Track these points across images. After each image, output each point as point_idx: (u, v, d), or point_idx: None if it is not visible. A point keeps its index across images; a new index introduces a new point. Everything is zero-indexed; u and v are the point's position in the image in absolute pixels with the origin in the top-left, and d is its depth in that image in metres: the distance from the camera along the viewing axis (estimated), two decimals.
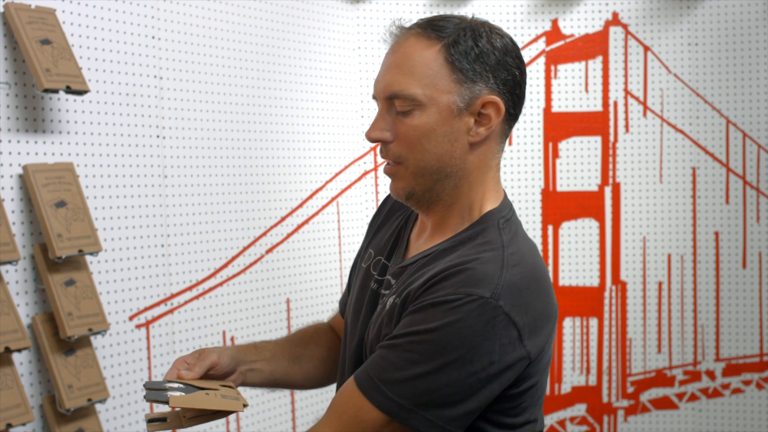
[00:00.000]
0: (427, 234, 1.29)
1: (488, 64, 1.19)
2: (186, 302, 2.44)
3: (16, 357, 1.93)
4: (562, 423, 3.16)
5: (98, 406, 2.12)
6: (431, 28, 1.20)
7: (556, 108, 3.12)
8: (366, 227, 1.50)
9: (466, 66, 1.18)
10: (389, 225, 1.41)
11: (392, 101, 1.20)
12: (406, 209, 1.40)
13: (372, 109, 2.99)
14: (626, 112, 3.12)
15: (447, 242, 1.23)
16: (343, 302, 1.51)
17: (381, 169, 3.03)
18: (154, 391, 1.21)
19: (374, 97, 1.26)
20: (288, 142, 2.77)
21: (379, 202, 1.52)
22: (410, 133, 1.19)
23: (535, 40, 3.09)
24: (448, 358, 1.08)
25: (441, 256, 1.20)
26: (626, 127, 3.12)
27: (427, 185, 1.22)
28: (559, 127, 3.12)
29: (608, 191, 3.13)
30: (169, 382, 1.25)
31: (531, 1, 3.09)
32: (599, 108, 3.12)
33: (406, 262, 1.26)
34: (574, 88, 3.11)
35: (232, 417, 2.58)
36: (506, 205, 1.27)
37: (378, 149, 1.26)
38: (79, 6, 2.13)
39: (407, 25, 1.25)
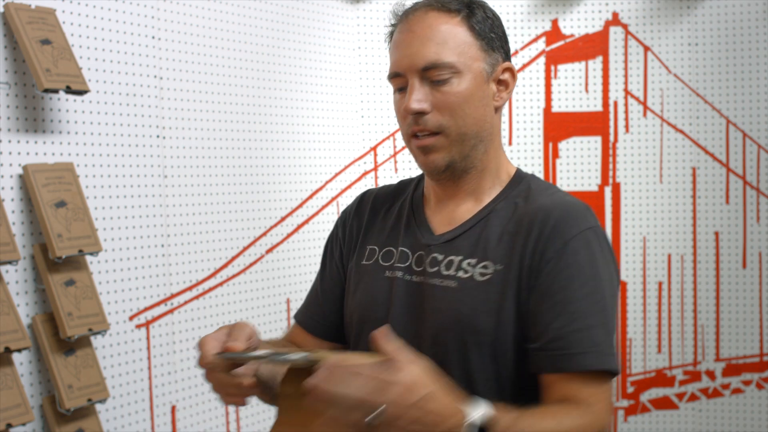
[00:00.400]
0: (453, 205, 1.30)
1: (498, 34, 1.28)
2: (186, 302, 2.44)
3: (16, 357, 1.93)
4: None
5: (98, 406, 2.12)
6: (442, 3, 1.26)
7: (556, 108, 3.12)
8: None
9: (488, 35, 1.26)
10: (381, 219, 1.40)
11: (426, 72, 1.23)
12: (389, 201, 1.40)
13: (373, 108, 2.99)
14: (626, 112, 3.12)
15: (498, 203, 1.28)
16: (308, 315, 1.45)
17: (381, 169, 3.04)
18: (275, 356, 1.06)
19: (396, 75, 1.26)
20: (288, 142, 2.78)
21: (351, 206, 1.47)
22: (451, 100, 1.23)
23: (535, 40, 3.09)
24: (607, 291, 1.18)
25: (500, 216, 1.25)
26: (626, 127, 3.12)
27: (465, 152, 1.26)
28: (559, 127, 3.12)
29: (608, 191, 3.13)
30: (244, 354, 1.11)
31: (531, 1, 3.09)
32: (599, 108, 3.12)
33: (454, 234, 1.27)
34: (574, 88, 3.12)
35: (231, 417, 2.58)
36: None
37: (410, 122, 1.25)
38: (79, 6, 2.13)
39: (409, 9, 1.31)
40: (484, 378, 1.20)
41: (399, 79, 1.26)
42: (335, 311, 1.41)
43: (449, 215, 1.30)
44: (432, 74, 1.22)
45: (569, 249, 1.18)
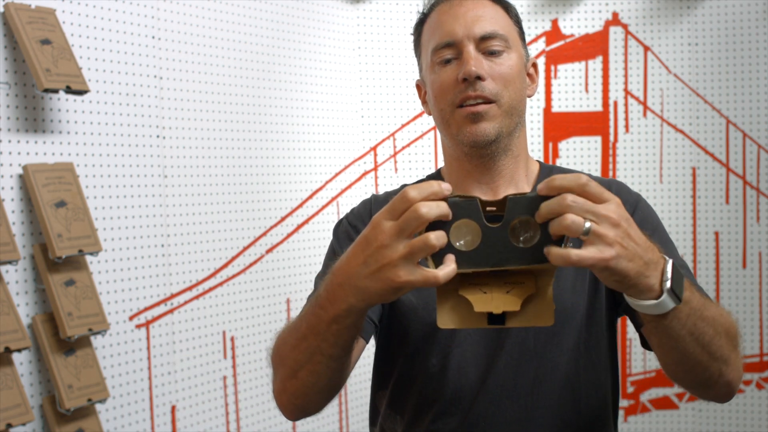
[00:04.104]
0: (491, 195, 1.29)
1: (523, 31, 1.33)
2: (186, 302, 2.44)
3: (16, 357, 1.93)
4: None
5: (98, 406, 2.12)
6: None
7: (556, 108, 3.12)
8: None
9: (520, 26, 1.32)
10: None
11: (482, 42, 1.25)
12: None
13: (373, 108, 2.99)
14: (626, 112, 3.12)
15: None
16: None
17: (381, 169, 3.04)
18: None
19: (447, 45, 1.26)
20: (288, 142, 2.78)
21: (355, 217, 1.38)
22: (506, 71, 1.25)
23: (535, 40, 3.09)
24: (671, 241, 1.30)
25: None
26: (626, 127, 3.12)
27: (510, 127, 1.27)
28: (559, 127, 3.12)
29: None
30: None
31: (531, 1, 3.09)
32: (599, 108, 3.12)
33: None
34: (574, 88, 3.12)
35: (232, 417, 2.58)
36: None
37: (461, 90, 1.24)
38: (79, 6, 2.13)
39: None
40: (575, 355, 1.23)
41: (449, 49, 1.26)
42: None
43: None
44: (488, 44, 1.25)
45: (639, 210, 1.28)
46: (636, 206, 1.29)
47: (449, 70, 1.26)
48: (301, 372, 1.10)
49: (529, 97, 1.32)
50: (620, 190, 1.31)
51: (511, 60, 1.26)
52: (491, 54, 1.25)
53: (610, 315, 1.28)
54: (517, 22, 1.32)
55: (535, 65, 1.34)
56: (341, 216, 1.43)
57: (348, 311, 0.97)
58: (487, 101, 1.23)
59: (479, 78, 1.22)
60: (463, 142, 1.26)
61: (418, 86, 1.39)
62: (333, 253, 1.36)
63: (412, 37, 1.38)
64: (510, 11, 1.31)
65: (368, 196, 1.43)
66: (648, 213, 1.30)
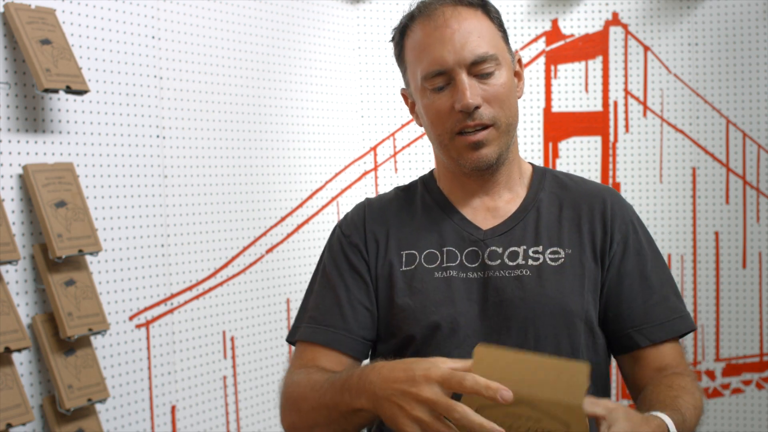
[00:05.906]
0: (488, 199, 1.31)
1: (504, 27, 1.31)
2: (186, 302, 2.44)
3: (16, 357, 1.93)
4: None
5: (98, 406, 2.12)
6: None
7: (556, 108, 3.12)
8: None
9: (503, 27, 1.30)
10: (406, 224, 1.33)
11: (474, 66, 1.22)
12: (405, 207, 1.35)
13: (373, 108, 2.99)
14: (626, 112, 3.12)
15: (538, 193, 1.31)
16: (331, 332, 1.28)
17: (381, 169, 3.04)
18: None
19: (438, 73, 1.23)
20: (288, 142, 2.78)
21: (351, 219, 1.37)
22: (500, 91, 1.24)
23: (535, 40, 3.09)
24: (663, 259, 1.32)
25: (546, 204, 1.30)
26: (626, 127, 3.12)
27: (507, 143, 1.28)
28: (559, 127, 3.12)
29: None
30: None
31: (531, 1, 3.09)
32: (599, 108, 3.12)
33: (507, 226, 1.29)
34: (574, 88, 3.11)
35: (232, 417, 2.58)
36: None
37: (459, 119, 1.23)
38: (79, 6, 2.13)
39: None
40: (576, 358, 1.23)
41: (441, 77, 1.23)
42: (362, 324, 1.29)
43: (489, 210, 1.31)
44: (480, 68, 1.22)
45: (632, 228, 1.28)
46: (629, 225, 1.29)
47: (443, 98, 1.23)
48: (315, 429, 1.13)
49: (519, 98, 1.30)
50: (614, 204, 1.30)
51: (503, 77, 1.24)
52: (484, 76, 1.22)
53: (598, 315, 1.30)
54: (500, 25, 1.29)
55: (519, 61, 1.32)
56: (341, 217, 1.43)
57: (372, 411, 1.02)
58: (485, 126, 1.23)
59: (478, 106, 1.21)
60: (464, 166, 1.26)
61: (404, 95, 1.37)
62: (323, 268, 1.34)
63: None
64: (491, 14, 1.28)
65: (362, 199, 1.42)
66: (642, 234, 1.30)
